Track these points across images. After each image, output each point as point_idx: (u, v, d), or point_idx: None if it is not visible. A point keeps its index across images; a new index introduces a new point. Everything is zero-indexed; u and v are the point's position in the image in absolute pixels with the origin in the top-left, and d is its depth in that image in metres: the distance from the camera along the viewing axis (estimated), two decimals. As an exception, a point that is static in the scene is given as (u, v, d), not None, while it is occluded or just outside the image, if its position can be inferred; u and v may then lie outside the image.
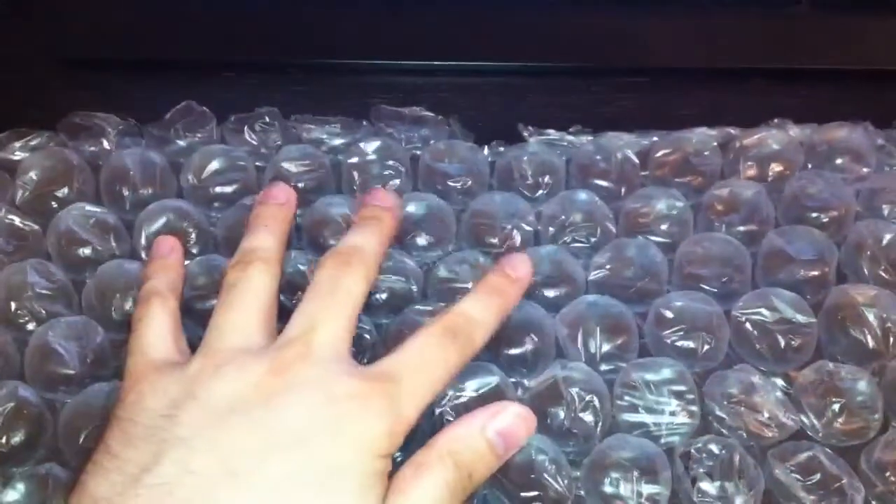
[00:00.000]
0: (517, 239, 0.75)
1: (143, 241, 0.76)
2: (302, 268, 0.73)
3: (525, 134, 0.82)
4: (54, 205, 0.77)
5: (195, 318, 0.70)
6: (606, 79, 0.87)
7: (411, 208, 0.76)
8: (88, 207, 0.76)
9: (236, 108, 0.85)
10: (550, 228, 0.76)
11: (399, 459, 0.58)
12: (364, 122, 0.83)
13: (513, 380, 0.69)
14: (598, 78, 0.87)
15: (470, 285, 0.71)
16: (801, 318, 0.70)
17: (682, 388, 0.67)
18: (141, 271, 0.72)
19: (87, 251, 0.75)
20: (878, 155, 0.79)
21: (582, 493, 0.65)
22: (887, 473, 0.65)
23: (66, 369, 0.69)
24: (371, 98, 0.85)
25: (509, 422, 0.59)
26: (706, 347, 0.69)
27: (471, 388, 0.67)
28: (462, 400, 0.66)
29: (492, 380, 0.67)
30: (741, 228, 0.75)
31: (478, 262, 0.73)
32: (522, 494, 0.63)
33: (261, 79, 0.88)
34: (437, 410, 0.66)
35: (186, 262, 0.74)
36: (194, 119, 0.84)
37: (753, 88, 0.85)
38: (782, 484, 0.65)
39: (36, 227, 0.76)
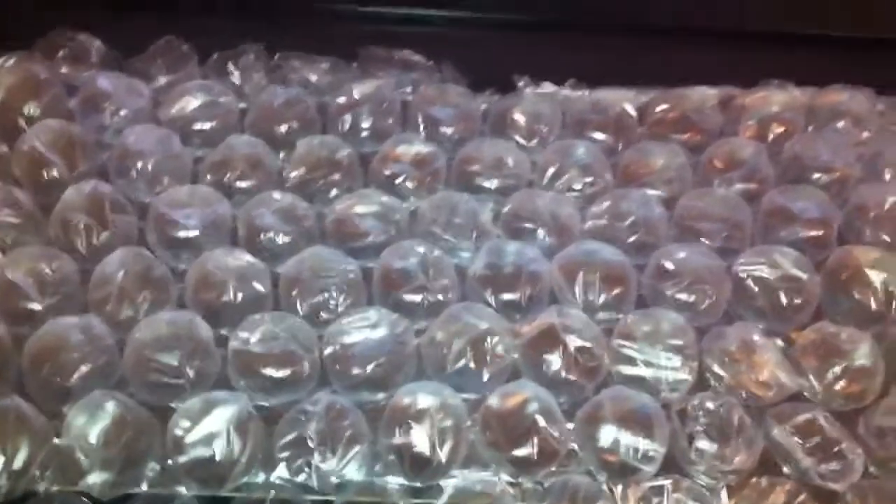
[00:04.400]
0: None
1: (118, 161, 0.69)
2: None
3: (520, 84, 0.76)
4: (22, 124, 0.69)
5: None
6: (600, 37, 0.81)
7: (401, 150, 0.70)
8: (55, 124, 0.69)
9: (219, 48, 0.78)
10: (545, 177, 0.70)
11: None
12: (353, 65, 0.77)
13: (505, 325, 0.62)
14: (591, 35, 0.81)
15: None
16: (804, 275, 0.64)
17: (682, 342, 0.61)
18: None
19: (53, 172, 0.67)
20: (879, 120, 0.74)
21: (575, 446, 0.59)
22: (887, 438, 0.60)
23: (29, 303, 0.61)
24: (359, 46, 0.78)
25: None
26: (707, 302, 0.64)
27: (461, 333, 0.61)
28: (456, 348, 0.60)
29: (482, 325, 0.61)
30: (740, 186, 0.70)
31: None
32: (514, 453, 0.57)
33: (245, 19, 0.81)
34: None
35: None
36: (175, 56, 0.77)
37: (750, 51, 0.80)
38: (781, 445, 0.60)
39: (4, 148, 0.68)
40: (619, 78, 0.77)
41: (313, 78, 0.76)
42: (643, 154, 0.71)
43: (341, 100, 0.73)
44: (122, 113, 0.71)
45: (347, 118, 0.73)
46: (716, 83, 0.77)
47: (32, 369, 0.59)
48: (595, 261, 0.64)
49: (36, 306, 0.61)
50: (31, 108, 0.70)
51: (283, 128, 0.72)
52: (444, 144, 0.72)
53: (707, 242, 0.67)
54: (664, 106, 0.74)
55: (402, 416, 0.58)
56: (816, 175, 0.70)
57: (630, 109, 0.74)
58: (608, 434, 0.58)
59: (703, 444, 0.58)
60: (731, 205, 0.68)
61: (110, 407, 0.57)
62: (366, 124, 0.72)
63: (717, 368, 0.62)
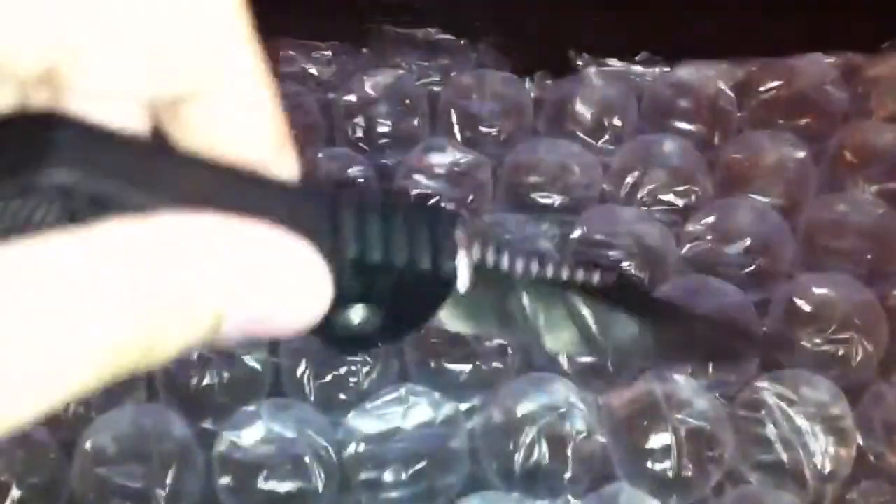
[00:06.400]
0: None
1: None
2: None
3: (579, 63, 0.61)
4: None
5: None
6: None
7: (432, 160, 0.55)
8: None
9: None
10: (623, 187, 0.55)
11: None
12: (364, 50, 0.62)
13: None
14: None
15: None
16: None
17: (833, 412, 0.46)
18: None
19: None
20: None
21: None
22: None
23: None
24: (371, 21, 0.63)
25: None
26: (861, 354, 0.48)
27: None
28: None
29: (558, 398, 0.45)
30: (879, 187, 0.54)
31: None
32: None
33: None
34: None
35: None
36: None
37: (863, 7, 0.63)
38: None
39: None
40: (704, 49, 0.61)
41: (313, 71, 0.61)
42: (749, 148, 0.57)
43: (350, 97, 0.59)
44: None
45: (360, 121, 0.59)
46: (825, 50, 0.61)
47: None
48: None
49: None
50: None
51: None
52: (487, 149, 0.58)
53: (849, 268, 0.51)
54: (771, 83, 0.59)
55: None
56: None
57: (726, 89, 0.58)
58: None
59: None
60: (874, 213, 0.53)
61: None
62: (384, 128, 0.59)
63: (880, 446, 0.46)
